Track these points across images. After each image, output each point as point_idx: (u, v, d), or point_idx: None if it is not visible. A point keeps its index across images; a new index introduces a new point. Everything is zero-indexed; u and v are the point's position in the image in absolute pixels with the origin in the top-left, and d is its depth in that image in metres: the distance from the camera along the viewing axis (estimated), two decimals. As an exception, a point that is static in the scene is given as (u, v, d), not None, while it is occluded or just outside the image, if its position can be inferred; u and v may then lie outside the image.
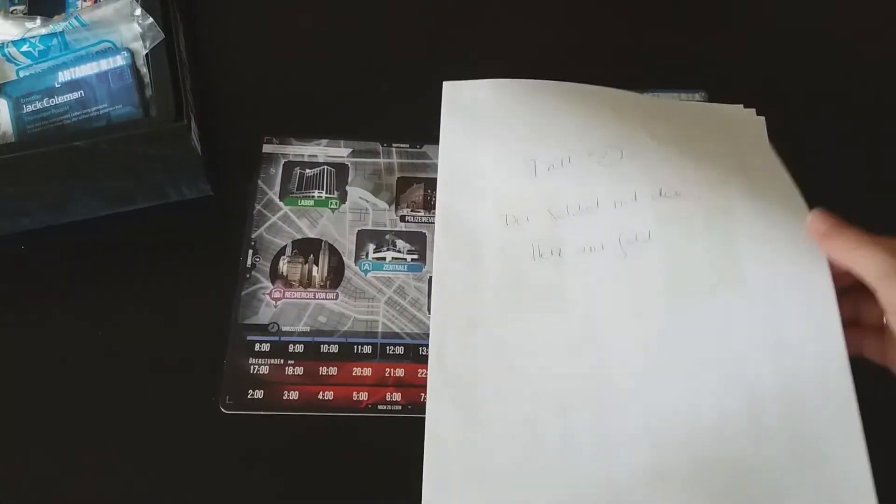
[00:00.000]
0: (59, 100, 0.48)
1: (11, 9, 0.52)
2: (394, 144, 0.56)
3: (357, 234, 0.53)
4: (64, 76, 0.49)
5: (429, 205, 0.54)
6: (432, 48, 0.58)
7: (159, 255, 0.50)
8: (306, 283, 0.51)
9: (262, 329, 0.49)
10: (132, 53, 0.50)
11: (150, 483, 0.43)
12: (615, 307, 0.42)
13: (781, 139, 0.53)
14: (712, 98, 0.55)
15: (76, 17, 0.50)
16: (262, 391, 0.47)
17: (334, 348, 0.49)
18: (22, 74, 0.49)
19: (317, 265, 0.52)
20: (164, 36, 0.49)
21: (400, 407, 0.47)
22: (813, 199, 0.50)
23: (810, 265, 0.40)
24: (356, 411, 0.47)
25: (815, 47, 0.58)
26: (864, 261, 0.37)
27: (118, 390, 0.46)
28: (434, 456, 0.39)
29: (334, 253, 0.52)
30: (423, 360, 0.46)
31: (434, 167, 0.53)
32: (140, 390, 0.46)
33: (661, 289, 0.42)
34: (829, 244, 0.39)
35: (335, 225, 0.53)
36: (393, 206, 0.54)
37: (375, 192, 0.54)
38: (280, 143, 0.56)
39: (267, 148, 0.56)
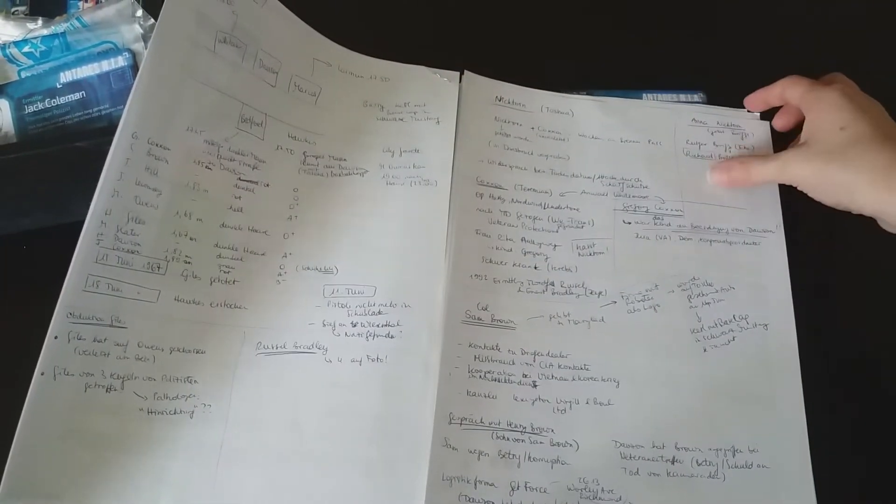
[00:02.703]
0: (61, 100, 0.48)
1: (13, 10, 0.52)
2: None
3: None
4: (65, 77, 0.49)
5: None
6: (435, 50, 0.58)
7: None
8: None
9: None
10: (133, 54, 0.50)
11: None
12: None
13: (782, 139, 0.53)
14: (711, 98, 0.56)
15: (77, 18, 0.50)
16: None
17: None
18: (24, 75, 0.50)
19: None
20: (165, 37, 0.49)
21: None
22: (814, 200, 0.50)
23: None
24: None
25: (815, 47, 0.59)
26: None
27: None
28: None
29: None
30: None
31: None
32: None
33: None
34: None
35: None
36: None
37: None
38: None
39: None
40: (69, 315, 0.41)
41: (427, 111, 0.53)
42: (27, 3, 0.53)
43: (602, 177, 0.51)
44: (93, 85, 0.49)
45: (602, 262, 0.48)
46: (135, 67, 0.49)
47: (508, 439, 0.43)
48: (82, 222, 0.50)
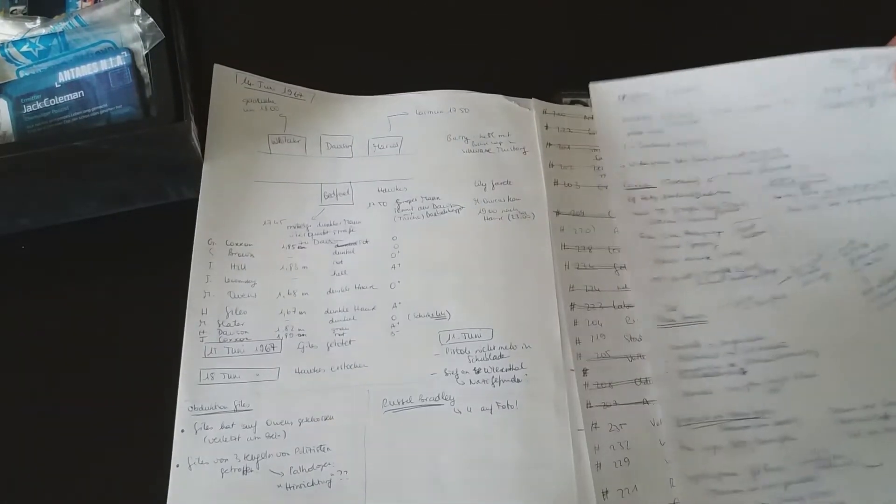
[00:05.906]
0: (60, 100, 0.48)
1: (11, 9, 0.52)
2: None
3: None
4: (64, 76, 0.49)
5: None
6: (435, 55, 0.58)
7: (159, 256, 0.50)
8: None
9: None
10: (132, 53, 0.49)
11: (152, 486, 0.43)
12: None
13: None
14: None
15: (76, 18, 0.49)
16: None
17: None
18: (22, 74, 0.49)
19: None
20: (164, 36, 0.48)
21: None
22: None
23: None
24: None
25: (815, 46, 0.59)
26: None
27: (120, 391, 0.46)
28: None
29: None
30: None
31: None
32: (142, 391, 0.45)
33: None
34: None
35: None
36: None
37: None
38: (281, 144, 0.56)
39: (268, 149, 0.56)
40: (191, 409, 0.43)
41: (512, 141, 0.51)
42: (25, 2, 0.52)
43: (742, 154, 0.51)
44: (91, 84, 0.48)
45: (766, 240, 0.49)
46: (133, 66, 0.49)
47: (736, 428, 0.44)
48: (81, 222, 0.50)
